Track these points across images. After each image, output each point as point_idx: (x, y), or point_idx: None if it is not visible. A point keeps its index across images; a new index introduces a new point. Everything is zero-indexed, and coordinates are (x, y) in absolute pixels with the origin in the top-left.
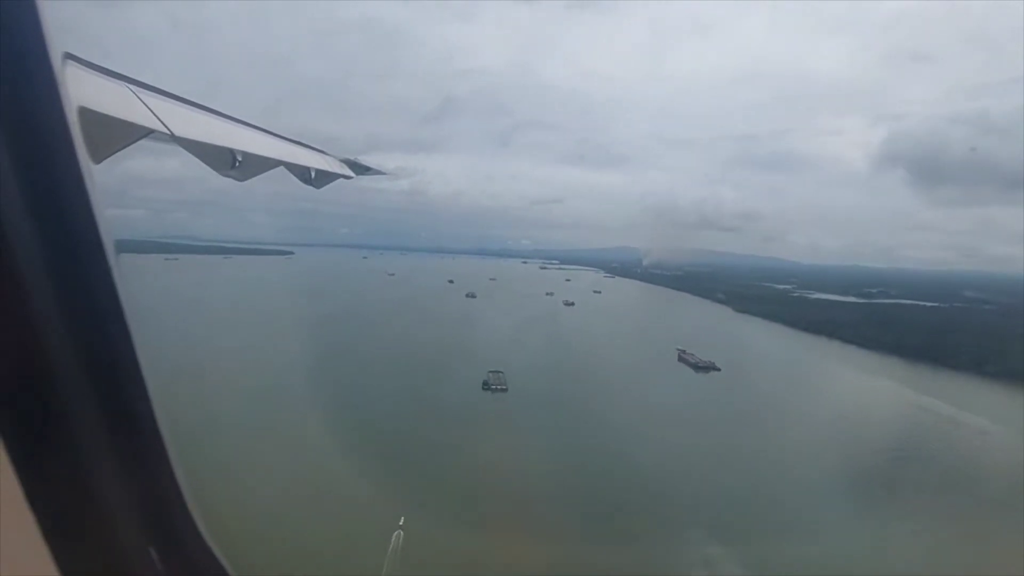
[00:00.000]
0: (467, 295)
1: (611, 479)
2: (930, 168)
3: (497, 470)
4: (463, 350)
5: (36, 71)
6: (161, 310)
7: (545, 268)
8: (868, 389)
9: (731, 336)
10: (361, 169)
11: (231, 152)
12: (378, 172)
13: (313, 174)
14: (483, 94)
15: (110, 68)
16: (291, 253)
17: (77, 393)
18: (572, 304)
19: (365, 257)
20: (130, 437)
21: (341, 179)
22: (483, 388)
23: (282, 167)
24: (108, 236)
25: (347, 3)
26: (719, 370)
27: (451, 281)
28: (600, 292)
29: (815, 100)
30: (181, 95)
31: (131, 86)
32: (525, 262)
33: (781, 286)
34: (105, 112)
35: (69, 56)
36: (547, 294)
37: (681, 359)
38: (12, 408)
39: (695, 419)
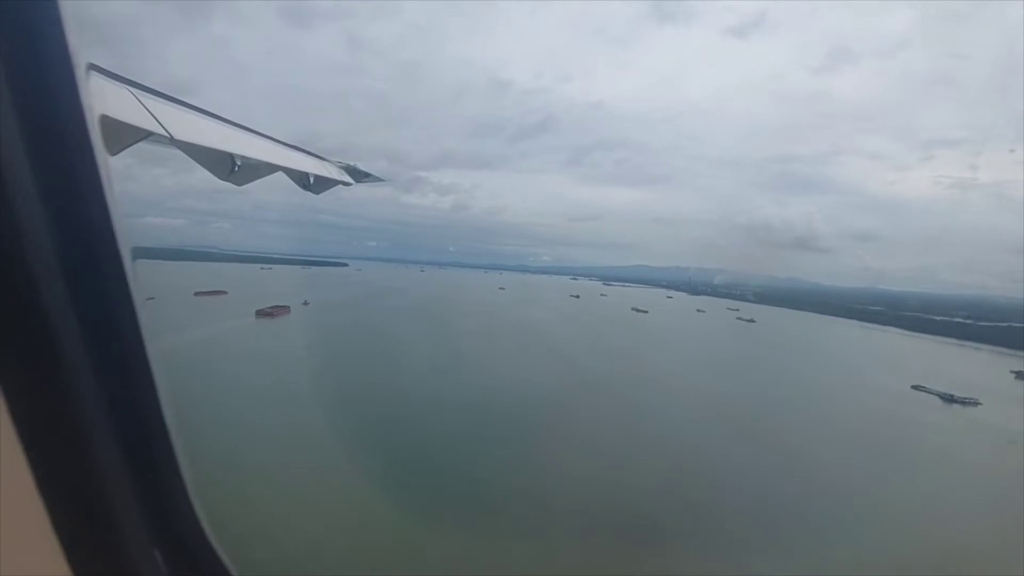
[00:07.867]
0: (633, 309)
1: None
2: None
3: None
4: (779, 367)
5: (60, 79)
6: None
7: (609, 285)
8: None
9: (978, 354)
10: (360, 175)
11: (230, 156)
12: (377, 179)
13: (312, 179)
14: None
15: (109, 69)
16: (346, 265)
17: (88, 391)
18: (752, 321)
19: (423, 271)
20: (140, 441)
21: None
22: (946, 402)
23: (281, 172)
24: (124, 240)
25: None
26: None
27: (576, 296)
28: (738, 309)
29: None
30: (189, 102)
31: (130, 88)
32: (575, 279)
33: (873, 307)
34: (103, 113)
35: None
36: (698, 311)
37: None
38: (25, 405)
39: None
